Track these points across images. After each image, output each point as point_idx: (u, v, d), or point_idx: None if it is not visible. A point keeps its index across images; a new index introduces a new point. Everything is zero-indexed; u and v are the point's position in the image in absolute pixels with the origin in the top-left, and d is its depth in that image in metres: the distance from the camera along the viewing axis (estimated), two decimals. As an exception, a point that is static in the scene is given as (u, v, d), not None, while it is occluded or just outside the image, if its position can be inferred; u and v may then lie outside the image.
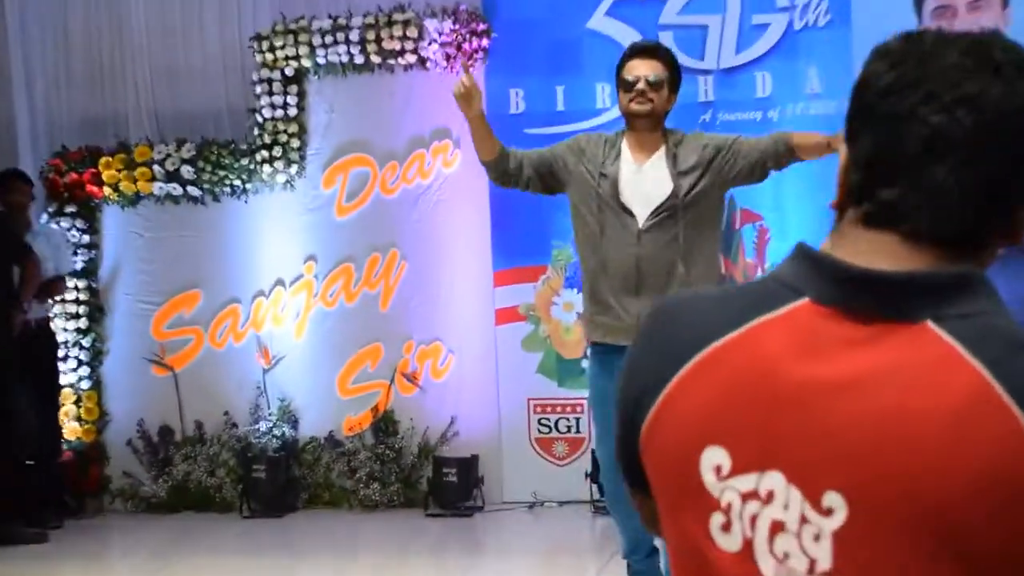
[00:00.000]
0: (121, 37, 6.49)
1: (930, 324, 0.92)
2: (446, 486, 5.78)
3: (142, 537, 6.00)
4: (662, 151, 3.96)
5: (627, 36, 5.64)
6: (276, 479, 5.92)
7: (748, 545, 0.95)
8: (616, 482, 3.64)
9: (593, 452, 5.61)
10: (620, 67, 4.02)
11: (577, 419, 5.84)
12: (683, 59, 5.47)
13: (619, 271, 3.86)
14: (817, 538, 0.92)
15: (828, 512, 0.91)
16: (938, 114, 0.93)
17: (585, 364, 5.57)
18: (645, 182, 3.93)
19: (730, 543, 0.96)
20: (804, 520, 0.92)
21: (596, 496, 5.63)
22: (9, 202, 6.04)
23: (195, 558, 5.48)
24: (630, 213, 3.91)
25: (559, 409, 5.90)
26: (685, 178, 3.91)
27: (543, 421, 5.89)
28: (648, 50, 4.07)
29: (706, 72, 5.75)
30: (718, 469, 0.96)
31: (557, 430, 5.89)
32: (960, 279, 0.94)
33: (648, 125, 3.94)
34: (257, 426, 6.07)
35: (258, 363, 6.16)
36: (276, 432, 6.00)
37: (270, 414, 6.05)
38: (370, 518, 5.88)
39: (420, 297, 6.04)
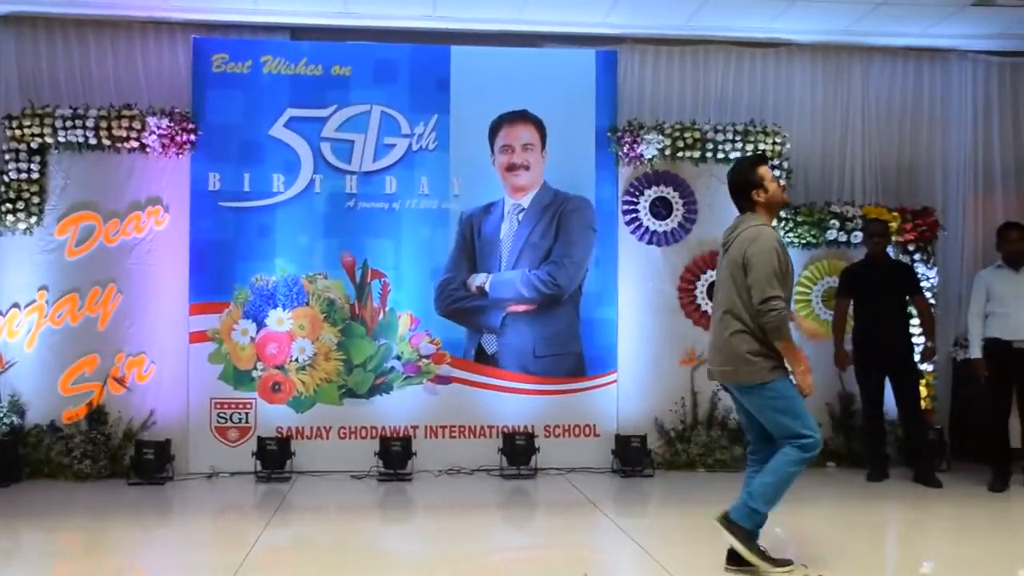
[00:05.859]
0: None
1: None
2: (145, 462, 6.57)
3: None
4: None
5: (298, 142, 7.05)
6: (4, 456, 6.47)
7: None
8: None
9: (259, 437, 6.78)
10: (757, 166, 4.39)
11: (246, 413, 6.92)
12: (336, 163, 7.15)
13: None
14: None
15: None
16: None
17: (255, 375, 6.96)
18: None
19: None
20: None
21: (259, 469, 6.69)
22: None
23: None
24: None
25: (234, 406, 6.93)
26: None
27: (221, 414, 6.91)
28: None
29: (352, 173, 7.08)
30: None
31: (232, 421, 6.92)
32: None
33: None
34: (-10, 415, 6.51)
35: (-7, 367, 6.66)
36: (6, 421, 6.60)
37: (1, 406, 6.64)
38: (82, 486, 6.46)
39: (131, 320, 6.87)
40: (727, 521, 4.31)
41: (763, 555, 4.28)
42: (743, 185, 4.40)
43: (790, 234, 7.47)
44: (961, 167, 7.99)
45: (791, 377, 4.28)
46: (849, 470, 7.22)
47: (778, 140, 7.45)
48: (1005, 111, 8.06)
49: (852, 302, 7.00)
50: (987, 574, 3.66)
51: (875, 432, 6.95)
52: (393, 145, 7.21)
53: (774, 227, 4.37)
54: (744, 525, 4.26)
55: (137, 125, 6.87)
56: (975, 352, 6.66)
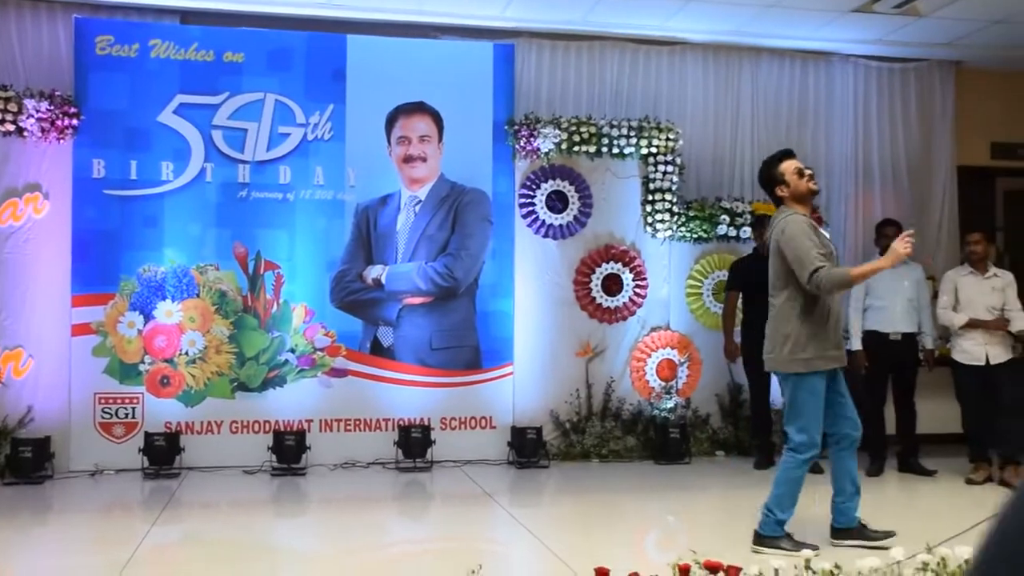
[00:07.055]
0: None
1: None
2: (22, 460, 6.26)
3: None
4: None
5: (188, 130, 6.84)
6: None
7: None
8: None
9: (147, 433, 6.61)
10: (780, 162, 4.54)
11: (133, 408, 6.69)
12: (229, 152, 6.97)
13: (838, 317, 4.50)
14: None
15: None
16: None
17: (143, 368, 6.78)
18: None
19: None
20: None
21: (147, 465, 6.50)
22: None
23: None
24: None
25: (120, 401, 6.69)
26: None
27: (106, 410, 6.66)
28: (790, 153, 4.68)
29: (245, 162, 6.91)
30: None
31: (117, 416, 6.68)
32: None
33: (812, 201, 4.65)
34: None
35: None
36: None
37: None
38: (-51, 488, 6.02)
39: (7, 313, 6.54)
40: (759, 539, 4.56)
41: (787, 543, 4.53)
42: (767, 181, 4.61)
43: (682, 228, 7.63)
44: (843, 165, 8.31)
45: (817, 376, 4.41)
46: (738, 458, 7.43)
47: (671, 136, 7.60)
48: (883, 113, 8.40)
49: (741, 295, 7.20)
50: (861, 552, 3.87)
51: (762, 422, 7.17)
52: (288, 134, 7.06)
53: (804, 215, 4.50)
54: (765, 532, 4.53)
55: (13, 107, 6.55)
56: (855, 344, 6.93)
